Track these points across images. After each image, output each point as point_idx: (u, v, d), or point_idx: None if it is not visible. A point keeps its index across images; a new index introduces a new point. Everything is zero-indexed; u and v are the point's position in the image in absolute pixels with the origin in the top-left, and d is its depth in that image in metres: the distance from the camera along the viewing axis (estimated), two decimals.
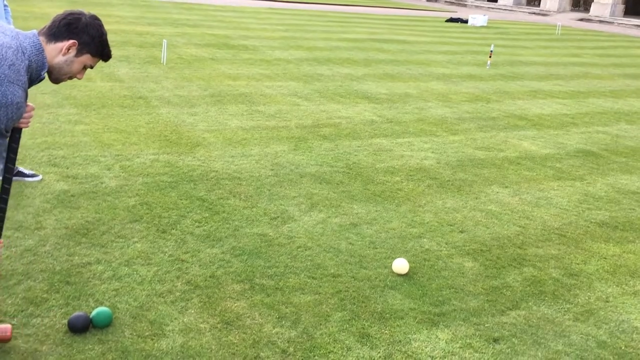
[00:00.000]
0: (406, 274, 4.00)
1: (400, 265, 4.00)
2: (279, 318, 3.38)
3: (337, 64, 12.56)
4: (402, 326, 3.43)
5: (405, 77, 11.78)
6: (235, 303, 3.47)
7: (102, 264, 3.74)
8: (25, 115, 2.51)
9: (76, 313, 3.09)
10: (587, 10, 36.39)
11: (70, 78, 2.53)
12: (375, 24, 22.81)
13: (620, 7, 35.11)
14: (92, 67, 2.55)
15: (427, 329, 3.43)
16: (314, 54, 13.61)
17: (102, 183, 5.02)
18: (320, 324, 3.36)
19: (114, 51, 10.65)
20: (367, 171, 6.03)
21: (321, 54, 13.64)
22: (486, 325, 3.53)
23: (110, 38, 12.82)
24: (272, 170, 5.77)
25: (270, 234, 4.41)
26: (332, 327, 3.35)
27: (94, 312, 3.11)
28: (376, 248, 4.36)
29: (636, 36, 27.95)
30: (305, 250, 4.22)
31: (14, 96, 2.28)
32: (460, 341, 3.34)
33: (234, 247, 4.14)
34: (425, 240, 4.58)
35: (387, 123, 8.06)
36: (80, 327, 3.04)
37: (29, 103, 2.51)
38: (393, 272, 4.00)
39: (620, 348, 3.44)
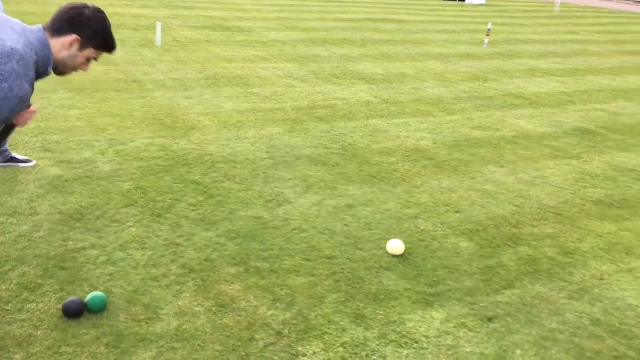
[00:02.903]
0: (402, 255, 4.00)
1: (395, 246, 4.00)
2: (273, 300, 3.38)
3: (334, 44, 12.47)
4: (397, 307, 3.44)
5: (402, 57, 11.70)
6: (230, 286, 3.48)
7: (96, 248, 3.74)
8: (26, 115, 2.49)
9: (70, 298, 3.09)
10: None
11: (75, 70, 2.51)
12: (372, 3, 22.59)
13: None
14: (96, 60, 2.52)
15: (421, 310, 3.43)
16: (310, 34, 13.50)
17: (96, 168, 5.00)
18: (315, 306, 3.37)
19: None
20: (363, 152, 6.01)
21: (317, 35, 13.53)
22: (481, 304, 3.54)
23: None
24: (267, 152, 5.75)
25: (266, 216, 4.41)
26: (327, 308, 3.36)
27: (88, 297, 3.12)
28: (372, 229, 4.36)
29: (636, 12, 27.72)
30: (301, 232, 4.22)
31: (20, 90, 2.27)
32: (454, 321, 3.36)
33: (229, 231, 4.13)
34: (420, 221, 4.58)
35: (383, 104, 8.02)
36: (74, 312, 3.04)
37: (32, 105, 2.49)
38: (388, 253, 4.00)
39: (615, 325, 3.46)
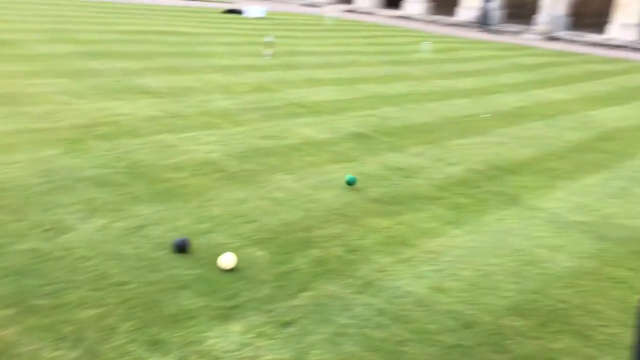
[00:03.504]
0: (201, 272, 3.94)
1: (226, 260, 3.99)
2: (58, 340, 3.09)
3: (113, 57, 11.86)
4: (195, 325, 3.38)
5: (187, 70, 11.57)
6: (4, 331, 3.10)
7: None
8: None
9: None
10: (351, 2, 39.21)
11: None
12: (151, 15, 22.00)
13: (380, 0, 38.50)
14: None
15: (220, 325, 3.42)
16: (85, 47, 12.67)
17: None
18: (107, 338, 3.16)
19: None
20: (152, 169, 5.80)
21: (94, 48, 12.76)
22: (278, 310, 3.64)
23: None
24: (43, 177, 5.25)
25: (44, 248, 4.02)
26: (119, 339, 3.17)
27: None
28: (165, 249, 4.22)
29: (395, 25, 31.00)
30: (86, 260, 3.92)
31: None
32: (253, 331, 3.40)
33: (0, 268, 3.68)
34: (215, 234, 4.56)
35: (170, 118, 7.84)
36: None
37: None
38: (186, 273, 3.92)
39: (396, 312, 3.80)
